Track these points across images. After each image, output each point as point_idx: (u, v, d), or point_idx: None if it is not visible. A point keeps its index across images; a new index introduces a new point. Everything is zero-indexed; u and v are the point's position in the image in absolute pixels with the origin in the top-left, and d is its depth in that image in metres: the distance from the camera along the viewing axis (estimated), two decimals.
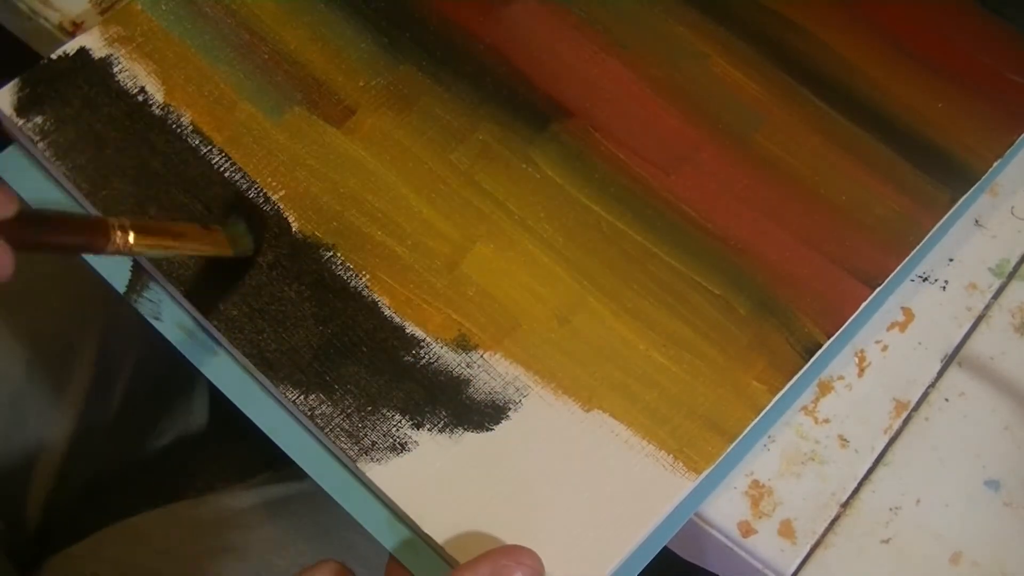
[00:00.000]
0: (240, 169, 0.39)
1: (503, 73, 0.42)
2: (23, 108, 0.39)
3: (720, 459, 0.36)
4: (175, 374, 0.64)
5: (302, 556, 0.52)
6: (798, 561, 0.38)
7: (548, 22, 0.43)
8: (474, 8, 0.43)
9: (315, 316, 0.37)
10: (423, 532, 0.34)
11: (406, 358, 0.37)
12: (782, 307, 0.38)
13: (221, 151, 0.39)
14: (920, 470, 0.39)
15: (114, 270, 0.39)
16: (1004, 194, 0.44)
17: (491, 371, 0.37)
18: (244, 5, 0.42)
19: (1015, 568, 0.37)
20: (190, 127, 0.40)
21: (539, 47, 0.43)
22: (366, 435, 0.35)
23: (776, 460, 0.39)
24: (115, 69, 0.40)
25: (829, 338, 0.38)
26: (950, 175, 0.41)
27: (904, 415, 0.40)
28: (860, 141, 0.42)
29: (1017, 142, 0.42)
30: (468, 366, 0.37)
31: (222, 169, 0.39)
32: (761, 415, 0.37)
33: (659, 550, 0.37)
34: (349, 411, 0.36)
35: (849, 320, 0.38)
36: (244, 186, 0.38)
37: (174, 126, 0.40)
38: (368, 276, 0.38)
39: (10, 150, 0.41)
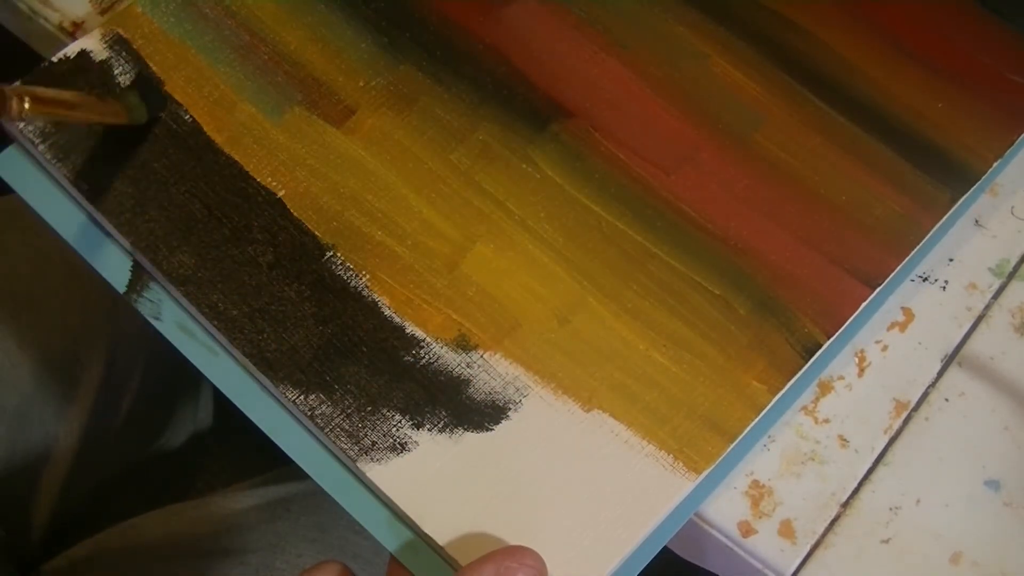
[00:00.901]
0: (240, 169, 0.39)
1: (503, 73, 0.42)
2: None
3: (720, 459, 0.36)
4: (181, 380, 0.64)
5: (303, 557, 0.52)
6: (798, 561, 0.38)
7: (548, 22, 0.43)
8: (474, 8, 0.43)
9: (315, 316, 0.37)
10: (423, 532, 0.34)
11: (406, 358, 0.37)
12: (782, 307, 0.38)
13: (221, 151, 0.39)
14: (920, 470, 0.39)
15: (114, 270, 0.39)
16: (1004, 194, 0.44)
17: (491, 371, 0.37)
18: (244, 6, 0.42)
19: (1015, 568, 0.37)
20: (191, 128, 0.40)
21: (539, 47, 0.43)
22: (366, 435, 0.35)
23: (776, 460, 0.39)
24: (116, 72, 0.40)
25: (829, 338, 0.38)
26: (950, 175, 0.41)
27: (904, 415, 0.40)
28: (860, 141, 0.42)
29: (1017, 142, 0.42)
30: (468, 366, 0.37)
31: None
32: (761, 415, 0.37)
33: (659, 550, 0.37)
34: (349, 411, 0.36)
35: (849, 320, 0.38)
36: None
37: (175, 127, 0.40)
38: (368, 276, 0.38)
39: (10, 150, 0.41)
